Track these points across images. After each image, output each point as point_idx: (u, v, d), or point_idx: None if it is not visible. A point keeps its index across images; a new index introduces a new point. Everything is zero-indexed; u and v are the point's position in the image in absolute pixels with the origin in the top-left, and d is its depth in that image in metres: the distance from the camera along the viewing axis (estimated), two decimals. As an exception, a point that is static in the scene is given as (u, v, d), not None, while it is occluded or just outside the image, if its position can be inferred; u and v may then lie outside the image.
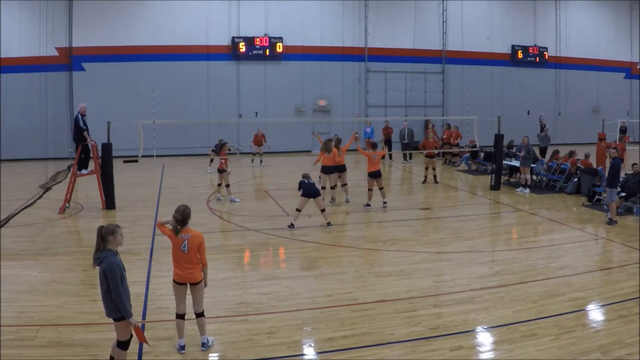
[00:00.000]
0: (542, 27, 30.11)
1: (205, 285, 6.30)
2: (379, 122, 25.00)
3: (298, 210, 11.81)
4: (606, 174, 15.48)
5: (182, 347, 6.15)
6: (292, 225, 11.75)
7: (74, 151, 15.85)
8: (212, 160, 19.50)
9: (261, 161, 21.98)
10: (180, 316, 6.18)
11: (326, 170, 14.22)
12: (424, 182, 17.97)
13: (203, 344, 6.25)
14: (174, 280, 6.19)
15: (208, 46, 25.12)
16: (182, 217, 6.07)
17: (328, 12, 26.62)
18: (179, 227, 6.08)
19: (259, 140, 21.60)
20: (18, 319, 6.94)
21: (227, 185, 14.78)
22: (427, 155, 17.77)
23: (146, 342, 5.70)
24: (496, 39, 29.14)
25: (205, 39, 25.03)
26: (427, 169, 18.00)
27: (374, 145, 14.23)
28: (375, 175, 13.73)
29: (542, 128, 26.52)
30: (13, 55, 21.87)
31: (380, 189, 13.92)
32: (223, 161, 14.68)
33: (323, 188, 14.14)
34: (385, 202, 13.97)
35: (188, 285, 6.17)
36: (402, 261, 9.61)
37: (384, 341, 6.47)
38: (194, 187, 17.17)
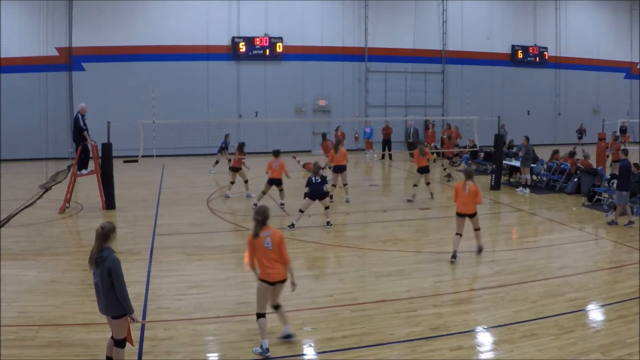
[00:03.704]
0: (542, 27, 30.08)
1: (293, 283, 6.23)
2: (379, 122, 25.01)
3: (301, 211, 11.76)
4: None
5: (267, 350, 6.03)
6: (292, 225, 11.73)
7: (74, 151, 15.86)
8: (217, 162, 19.51)
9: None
10: (263, 315, 6.13)
11: (338, 169, 14.59)
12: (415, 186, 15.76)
13: (289, 336, 6.30)
14: (263, 281, 6.10)
15: (208, 46, 25.10)
16: (262, 218, 6.15)
17: (328, 12, 26.60)
18: (258, 227, 6.12)
19: None
20: (18, 319, 6.94)
21: (246, 181, 15.29)
22: (418, 170, 15.05)
23: (131, 343, 5.67)
24: (496, 39, 29.12)
25: (205, 39, 25.01)
26: (415, 185, 14.99)
27: (335, 147, 14.66)
28: (339, 169, 14.37)
29: (582, 132, 27.83)
30: (13, 55, 21.92)
31: (344, 184, 14.46)
32: (243, 160, 15.28)
33: (334, 185, 14.59)
34: (347, 199, 14.52)
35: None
36: (402, 261, 9.61)
37: (384, 341, 6.47)
38: (194, 187, 17.17)
